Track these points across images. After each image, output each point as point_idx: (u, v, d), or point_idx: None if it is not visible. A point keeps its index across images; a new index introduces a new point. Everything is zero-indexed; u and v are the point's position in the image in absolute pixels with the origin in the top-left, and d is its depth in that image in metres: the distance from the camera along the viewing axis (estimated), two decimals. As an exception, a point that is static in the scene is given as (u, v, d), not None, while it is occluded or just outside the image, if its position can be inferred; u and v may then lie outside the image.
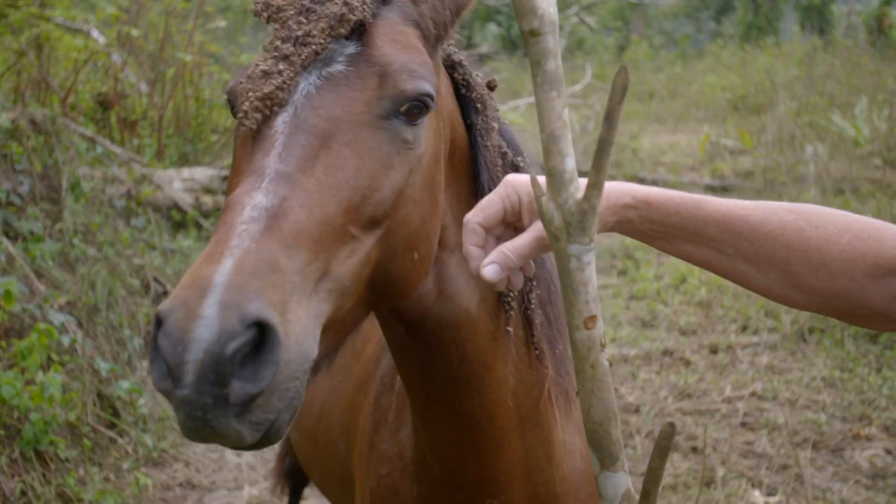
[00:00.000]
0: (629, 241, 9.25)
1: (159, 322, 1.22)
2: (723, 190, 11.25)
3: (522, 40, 1.28)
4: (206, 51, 10.56)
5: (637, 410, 5.64)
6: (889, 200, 8.76)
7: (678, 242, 1.46)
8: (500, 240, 1.52)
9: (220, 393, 1.18)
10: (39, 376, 4.56)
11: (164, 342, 1.19)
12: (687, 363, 6.35)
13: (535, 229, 1.45)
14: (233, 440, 1.23)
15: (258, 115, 1.41)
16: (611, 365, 1.30)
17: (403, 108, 1.48)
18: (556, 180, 1.27)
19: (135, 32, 9.46)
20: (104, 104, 9.15)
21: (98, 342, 5.45)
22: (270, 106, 1.41)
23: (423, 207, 1.56)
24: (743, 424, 5.46)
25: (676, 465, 4.98)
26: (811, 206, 1.44)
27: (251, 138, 1.43)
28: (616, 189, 1.47)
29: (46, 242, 5.63)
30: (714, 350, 6.55)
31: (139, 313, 6.02)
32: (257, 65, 1.45)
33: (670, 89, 21.66)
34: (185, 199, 8.36)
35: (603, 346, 1.27)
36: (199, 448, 5.34)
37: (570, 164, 1.27)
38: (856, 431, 5.22)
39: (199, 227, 8.26)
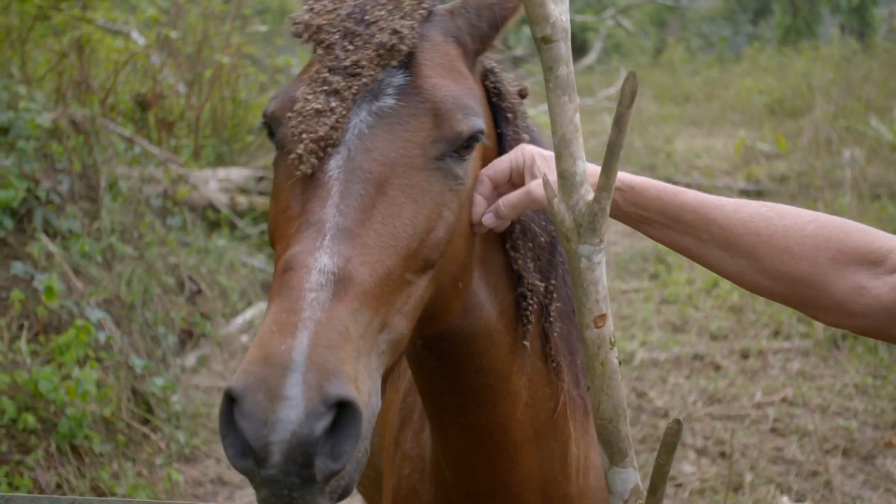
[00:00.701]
0: (661, 245, 9.22)
1: (231, 399, 1.20)
2: (757, 194, 11.15)
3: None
4: (244, 52, 10.69)
5: (666, 415, 5.63)
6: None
7: (661, 228, 1.55)
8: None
9: (307, 473, 1.18)
10: (76, 371, 4.66)
11: (246, 424, 1.17)
12: (717, 368, 6.32)
13: (529, 185, 1.53)
14: None
15: (314, 159, 1.39)
16: (621, 364, 1.34)
17: (456, 147, 1.48)
18: (568, 182, 1.30)
19: (173, 34, 9.60)
20: (143, 105, 9.30)
21: (133, 339, 5.56)
22: (325, 147, 1.40)
23: (468, 236, 1.57)
24: (773, 430, 5.43)
25: (704, 469, 4.97)
26: (787, 206, 1.53)
27: (302, 181, 1.41)
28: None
29: (84, 240, 5.75)
30: (745, 355, 6.52)
31: (174, 311, 6.12)
32: (307, 99, 1.43)
33: (706, 92, 21.48)
34: (221, 199, 8.48)
35: (612, 344, 1.30)
36: (231, 444, 5.42)
37: (581, 167, 1.31)
38: (888, 439, 5.18)
39: (233, 226, 8.37)
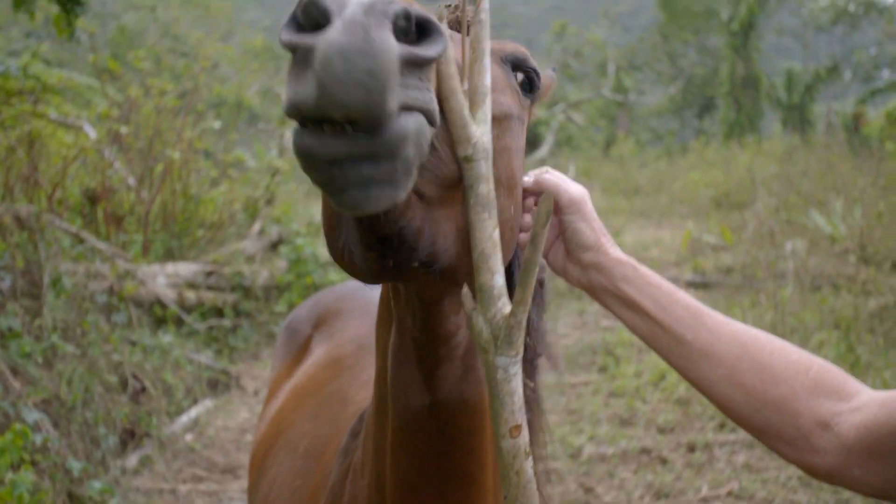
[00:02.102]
0: (610, 337, 9.29)
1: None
2: (703, 286, 11.36)
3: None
4: (196, 147, 10.76)
5: (614, 510, 5.60)
6: (864, 297, 8.86)
7: (645, 317, 1.54)
8: None
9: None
10: (9, 475, 4.53)
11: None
12: (664, 462, 6.32)
13: (545, 176, 1.64)
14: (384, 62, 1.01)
15: None
16: (538, 471, 1.35)
17: (518, 68, 1.53)
18: (486, 296, 1.34)
19: (124, 130, 9.65)
20: (92, 199, 9.27)
21: (72, 440, 5.42)
22: None
23: (517, 171, 1.51)
24: (720, 524, 5.43)
25: (653, 566, 4.94)
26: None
27: None
28: (613, 243, 1.61)
29: (24, 339, 5.64)
30: (692, 448, 6.54)
31: (115, 410, 6.00)
32: None
33: (655, 185, 22.03)
34: (169, 295, 8.41)
35: (527, 454, 1.33)
36: (171, 548, 5.27)
37: (500, 280, 1.34)
38: (832, 532, 5.20)
39: (180, 322, 8.27)
